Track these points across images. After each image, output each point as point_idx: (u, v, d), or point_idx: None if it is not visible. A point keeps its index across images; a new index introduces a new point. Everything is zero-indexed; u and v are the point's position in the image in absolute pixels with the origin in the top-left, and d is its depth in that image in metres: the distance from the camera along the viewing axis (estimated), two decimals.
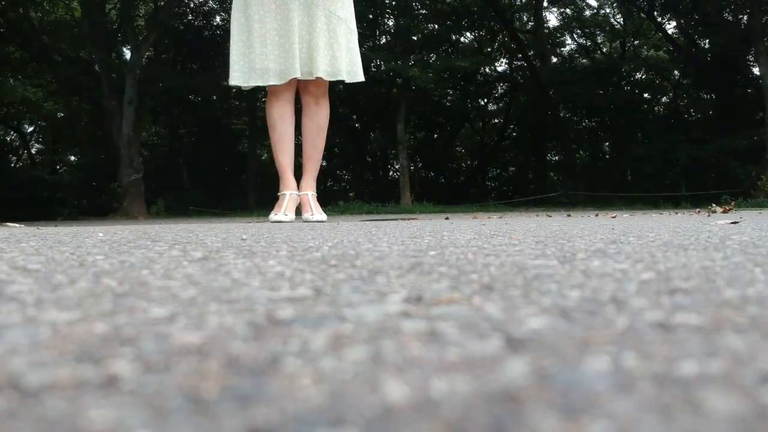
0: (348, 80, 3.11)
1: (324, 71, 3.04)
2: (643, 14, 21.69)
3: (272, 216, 3.07)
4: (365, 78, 3.30)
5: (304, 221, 3.10)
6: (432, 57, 13.31)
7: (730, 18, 19.24)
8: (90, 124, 21.56)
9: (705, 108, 21.71)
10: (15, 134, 29.46)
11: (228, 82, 3.14)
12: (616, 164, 20.03)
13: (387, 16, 13.80)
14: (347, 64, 3.11)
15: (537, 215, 6.24)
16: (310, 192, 3.22)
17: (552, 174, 25.00)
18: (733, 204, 5.22)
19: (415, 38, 14.19)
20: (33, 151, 30.09)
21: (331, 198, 17.15)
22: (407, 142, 15.39)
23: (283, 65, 3.01)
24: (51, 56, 21.42)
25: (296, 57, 3.00)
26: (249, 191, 19.72)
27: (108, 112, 15.65)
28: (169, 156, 21.32)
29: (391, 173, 25.29)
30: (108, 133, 16.53)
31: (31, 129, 29.68)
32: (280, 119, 3.17)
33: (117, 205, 15.71)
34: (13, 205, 23.38)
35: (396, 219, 7.73)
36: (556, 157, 24.93)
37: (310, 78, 3.07)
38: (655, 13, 20.31)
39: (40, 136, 30.12)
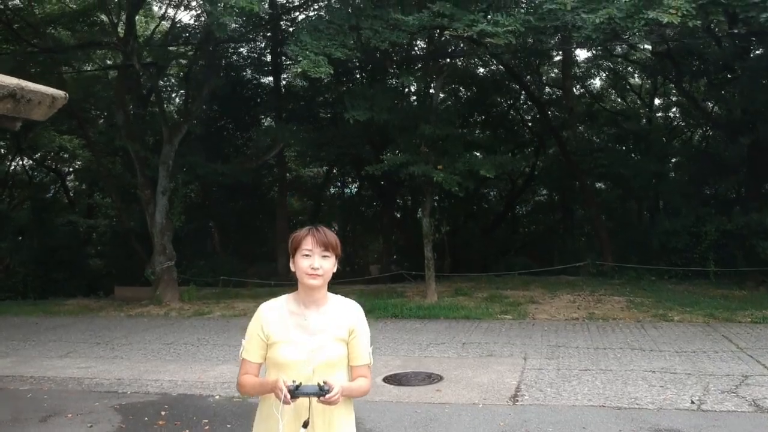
0: None
1: None
2: (671, 84, 21.55)
3: None
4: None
5: None
6: (457, 155, 13.51)
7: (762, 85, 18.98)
8: (123, 185, 22.20)
9: (734, 167, 21.12)
10: (53, 174, 30.41)
11: None
12: (644, 234, 19.92)
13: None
14: None
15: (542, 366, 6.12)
16: None
17: (581, 236, 24.89)
18: None
19: (441, 141, 14.40)
20: (70, 191, 30.95)
21: (357, 278, 17.33)
22: (432, 235, 15.59)
23: None
24: (83, 115, 22.01)
25: None
26: (279, 256, 20.09)
27: (143, 202, 16.21)
28: (200, 219, 21.87)
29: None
30: (141, 213, 17.10)
31: (67, 170, 30.62)
32: None
33: (151, 280, 16.13)
34: (50, 252, 24.13)
35: (416, 376, 7.95)
36: (583, 211, 24.85)
37: None
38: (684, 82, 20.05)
39: (77, 175, 31.00)
